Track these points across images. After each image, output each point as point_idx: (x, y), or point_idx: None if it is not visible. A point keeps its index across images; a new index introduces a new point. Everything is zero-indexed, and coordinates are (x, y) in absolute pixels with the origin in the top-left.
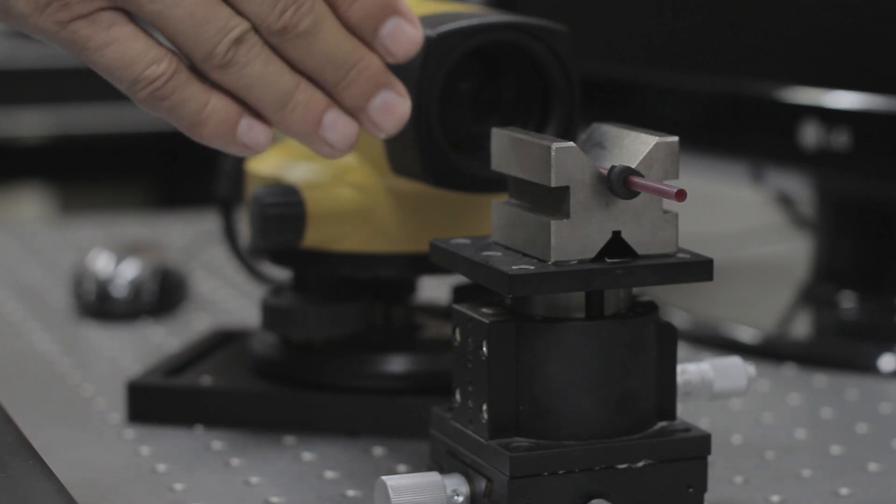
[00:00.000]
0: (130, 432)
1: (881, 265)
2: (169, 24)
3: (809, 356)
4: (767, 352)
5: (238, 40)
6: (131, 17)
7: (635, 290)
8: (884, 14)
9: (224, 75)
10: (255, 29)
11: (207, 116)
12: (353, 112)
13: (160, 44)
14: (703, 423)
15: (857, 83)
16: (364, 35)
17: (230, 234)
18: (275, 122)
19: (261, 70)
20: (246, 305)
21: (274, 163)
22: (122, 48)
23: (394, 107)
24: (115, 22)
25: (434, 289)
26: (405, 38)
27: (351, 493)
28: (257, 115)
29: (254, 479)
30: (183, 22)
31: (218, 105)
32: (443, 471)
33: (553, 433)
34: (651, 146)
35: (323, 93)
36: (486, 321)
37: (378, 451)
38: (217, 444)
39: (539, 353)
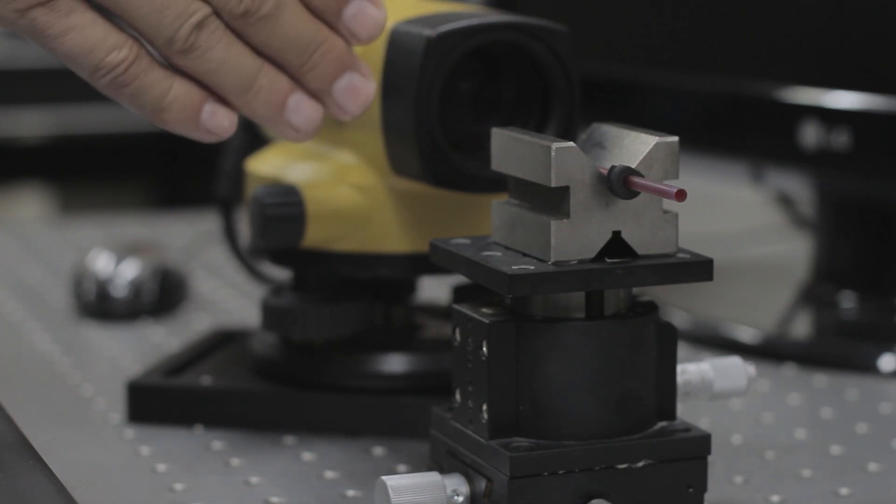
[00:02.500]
0: (130, 432)
1: (881, 265)
2: (129, 10)
3: (809, 356)
4: (767, 352)
5: (199, 25)
6: (91, 3)
7: (635, 290)
8: (884, 14)
9: (186, 60)
10: (217, 13)
11: (170, 103)
12: (317, 95)
13: (121, 30)
14: (703, 423)
15: (857, 83)
16: (327, 17)
17: (230, 234)
18: (238, 106)
19: (223, 55)
20: (246, 305)
21: (274, 163)
22: (81, 35)
23: (358, 88)
24: (75, 9)
25: (434, 289)
26: (369, 19)
27: (351, 493)
28: (221, 100)
29: (254, 479)
30: (143, 7)
31: (180, 91)
32: (443, 471)
33: (553, 433)
34: (651, 146)
35: (287, 76)
36: (486, 321)
37: (378, 451)
38: (217, 444)
39: (539, 353)
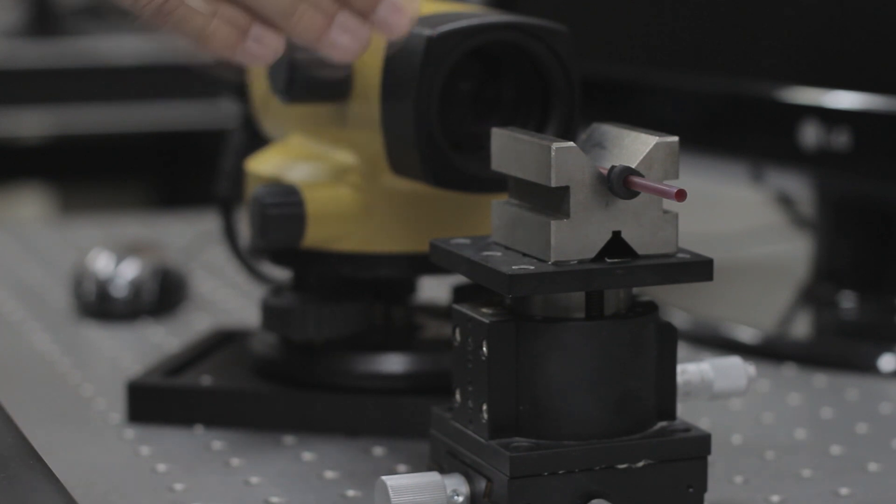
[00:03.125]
0: (130, 432)
1: (881, 265)
2: None
3: (809, 356)
4: (767, 352)
5: None
6: None
7: (635, 290)
8: (884, 14)
9: None
10: None
11: (215, 29)
12: (361, 15)
13: None
14: (703, 423)
15: (857, 83)
16: None
17: (230, 234)
18: (284, 29)
19: None
20: (246, 305)
21: (274, 163)
22: None
23: (403, 5)
24: None
25: (434, 289)
26: None
27: (351, 493)
28: (267, 24)
29: (254, 479)
30: None
31: (224, 17)
32: (443, 471)
33: (553, 433)
34: (651, 146)
35: None
36: (486, 321)
37: (378, 451)
38: (217, 444)
39: (539, 353)
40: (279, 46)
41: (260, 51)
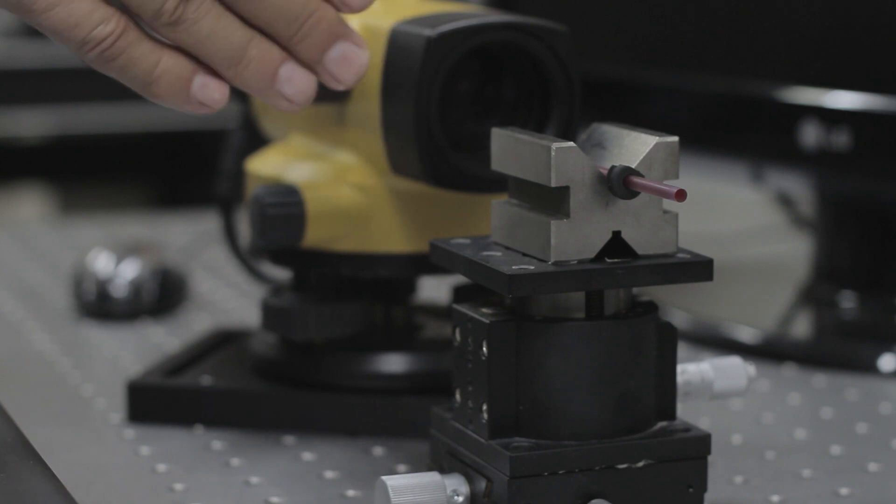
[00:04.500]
0: (130, 432)
1: (881, 265)
2: None
3: (809, 356)
4: (767, 352)
5: None
6: None
7: (635, 290)
8: (884, 14)
9: (174, 33)
10: None
11: (159, 76)
12: (309, 65)
13: (108, 3)
14: (703, 423)
15: (857, 83)
16: None
17: (230, 234)
18: (229, 78)
19: (211, 26)
20: (246, 305)
21: (274, 163)
22: (67, 9)
23: (351, 58)
24: None
25: (434, 289)
26: None
27: (351, 493)
28: (213, 72)
29: (254, 479)
30: None
31: (170, 63)
32: (443, 471)
33: (553, 433)
34: (651, 146)
35: (278, 47)
36: (486, 321)
37: (378, 451)
38: (217, 444)
39: (539, 353)
40: (224, 95)
41: (206, 98)
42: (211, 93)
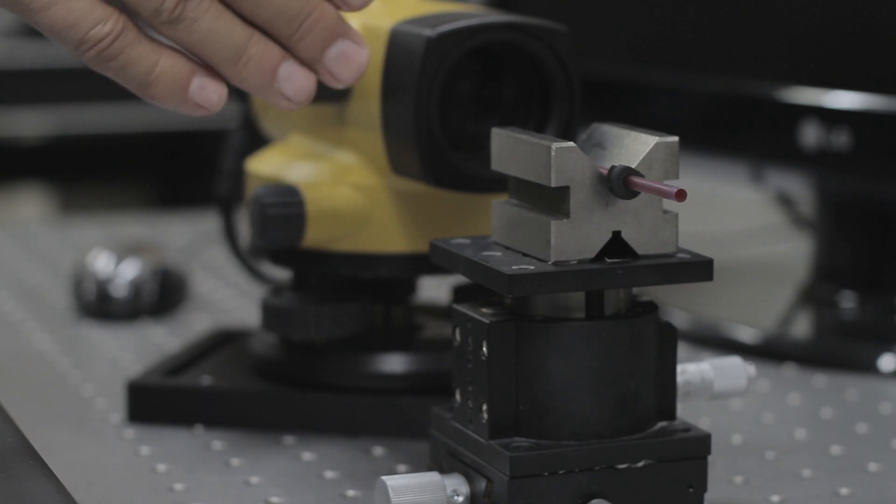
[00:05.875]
0: (130, 432)
1: (881, 265)
2: None
3: (809, 356)
4: (767, 352)
5: None
6: None
7: (635, 290)
8: (884, 14)
9: (173, 32)
10: None
11: (157, 76)
12: (309, 63)
13: (106, 3)
14: (703, 423)
15: (857, 83)
16: None
17: (230, 234)
18: (228, 77)
19: (211, 25)
20: (246, 305)
21: (274, 163)
22: (65, 8)
23: (351, 56)
24: None
25: (434, 289)
26: None
27: (351, 493)
28: (211, 73)
29: (254, 479)
30: None
31: (168, 64)
32: (443, 471)
33: (553, 433)
34: (651, 146)
35: (277, 45)
36: (486, 321)
37: (378, 451)
38: (217, 444)
39: (539, 353)
40: (222, 98)
41: (204, 99)
42: (209, 94)
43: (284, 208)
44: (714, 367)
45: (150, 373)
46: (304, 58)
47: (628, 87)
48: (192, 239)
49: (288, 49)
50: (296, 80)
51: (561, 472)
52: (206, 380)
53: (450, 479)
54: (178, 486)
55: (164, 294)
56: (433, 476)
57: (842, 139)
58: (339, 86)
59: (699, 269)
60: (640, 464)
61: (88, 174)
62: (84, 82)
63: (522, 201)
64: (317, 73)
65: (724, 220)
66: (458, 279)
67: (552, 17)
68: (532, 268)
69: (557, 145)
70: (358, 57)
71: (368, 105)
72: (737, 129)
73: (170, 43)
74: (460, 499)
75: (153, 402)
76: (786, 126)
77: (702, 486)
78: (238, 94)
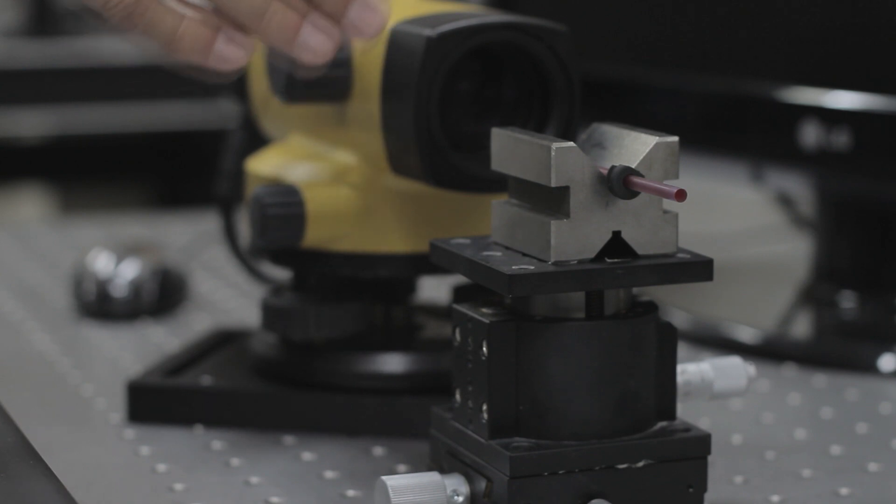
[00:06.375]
0: (130, 432)
1: (881, 265)
2: None
3: (809, 356)
4: (767, 352)
5: None
6: None
7: (635, 290)
8: (884, 14)
9: None
10: None
11: (183, 32)
12: (333, 17)
13: None
14: (703, 423)
15: (857, 83)
16: None
17: (230, 234)
18: (254, 31)
19: None
20: (246, 305)
21: (274, 163)
22: None
23: (374, 7)
24: None
25: (434, 289)
26: None
27: (351, 493)
28: (236, 28)
29: (254, 479)
30: None
31: (194, 20)
32: (443, 471)
33: (553, 433)
34: (651, 146)
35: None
36: (486, 321)
37: (378, 451)
38: (217, 444)
39: (539, 353)
40: (249, 49)
41: (230, 53)
42: (235, 49)
43: (284, 208)
44: (714, 367)
45: (150, 373)
46: (328, 12)
47: (628, 87)
48: (192, 239)
49: (312, 3)
50: (319, 34)
51: (561, 472)
52: (206, 380)
53: (450, 479)
54: (178, 486)
55: (164, 294)
56: (433, 476)
57: (842, 139)
58: (363, 38)
59: (699, 269)
60: (640, 464)
61: (88, 174)
62: (84, 82)
63: (522, 201)
64: (341, 27)
65: (724, 220)
66: (458, 279)
67: (552, 17)
68: (532, 268)
69: (557, 145)
70: (381, 8)
71: (368, 105)
72: (737, 129)
73: (197, 0)
74: (460, 499)
75: (153, 402)
76: (786, 126)
77: (702, 486)
78: (238, 95)
